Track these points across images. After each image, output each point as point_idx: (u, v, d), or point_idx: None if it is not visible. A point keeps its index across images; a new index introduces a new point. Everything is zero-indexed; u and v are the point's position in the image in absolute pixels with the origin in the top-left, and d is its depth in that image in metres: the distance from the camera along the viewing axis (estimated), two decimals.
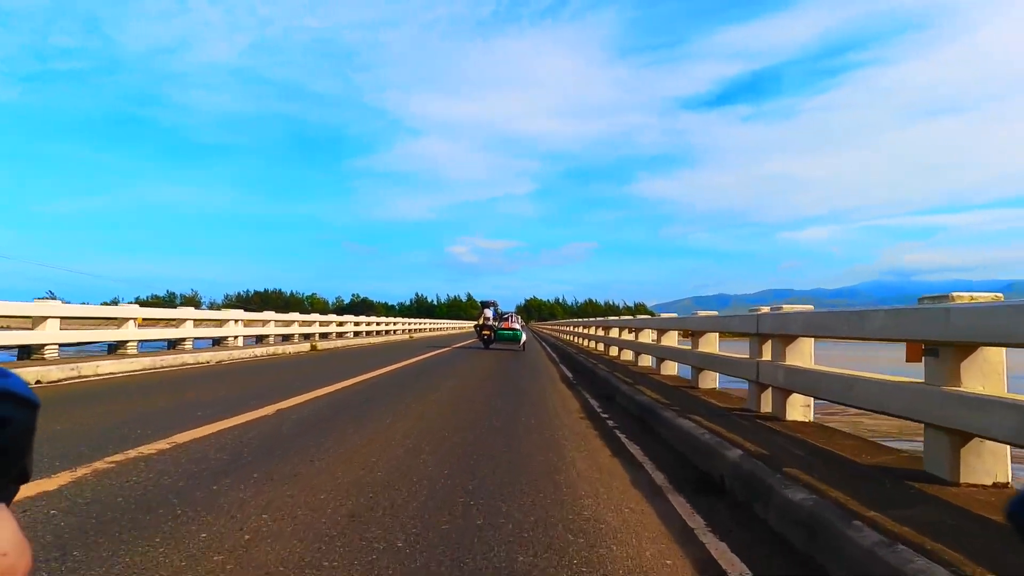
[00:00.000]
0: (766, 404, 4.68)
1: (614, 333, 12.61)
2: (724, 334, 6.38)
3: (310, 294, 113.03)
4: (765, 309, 4.67)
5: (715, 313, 6.45)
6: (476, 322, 19.21)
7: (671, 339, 8.22)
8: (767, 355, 4.60)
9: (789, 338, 4.26)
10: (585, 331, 18.53)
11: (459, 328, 55.87)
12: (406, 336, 29.16)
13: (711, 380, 6.39)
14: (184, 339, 12.11)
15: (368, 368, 9.63)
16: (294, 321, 18.31)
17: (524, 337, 18.29)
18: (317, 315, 21.21)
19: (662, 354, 8.23)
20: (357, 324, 24.85)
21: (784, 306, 4.56)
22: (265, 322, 16.69)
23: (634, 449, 4.13)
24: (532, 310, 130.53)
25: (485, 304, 18.85)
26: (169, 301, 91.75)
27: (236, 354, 11.84)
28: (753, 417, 4.55)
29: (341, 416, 5.10)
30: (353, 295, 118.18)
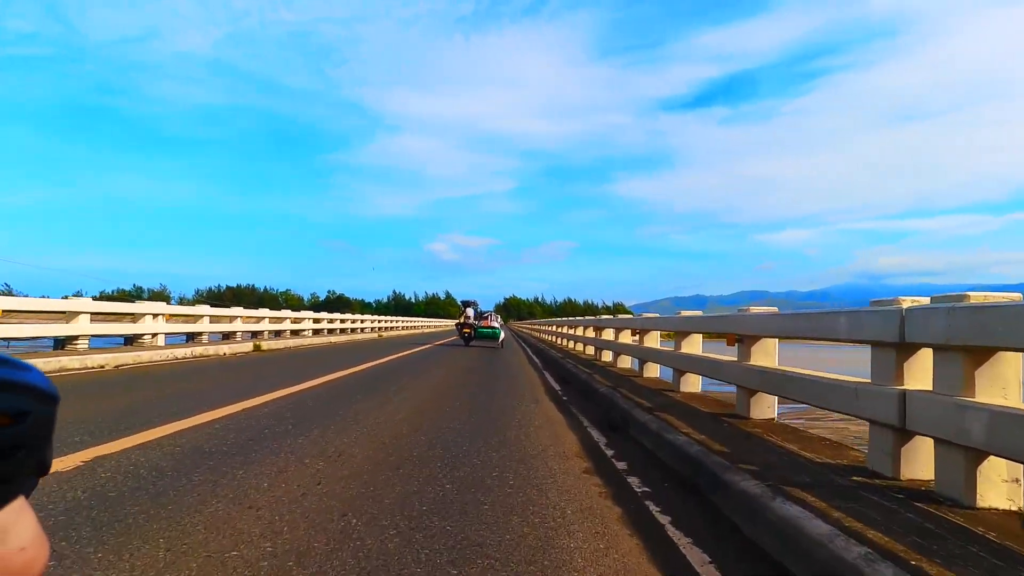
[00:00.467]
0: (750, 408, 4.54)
1: (607, 335, 12.13)
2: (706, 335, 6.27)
3: (284, 290, 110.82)
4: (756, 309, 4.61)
5: (699, 312, 6.36)
6: (457, 320, 19.82)
7: (653, 340, 8.07)
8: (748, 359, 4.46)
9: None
10: (568, 331, 18.28)
11: (435, 327, 53.57)
12: (374, 335, 26.87)
13: (693, 383, 6.26)
14: (76, 337, 9.98)
15: (304, 377, 7.74)
16: (236, 317, 16.08)
17: (503, 335, 19.27)
18: (266, 311, 17.88)
19: (645, 356, 8.08)
20: (317, 321, 22.39)
21: (752, 308, 4.67)
22: (197, 317, 14.45)
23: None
24: (511, 309, 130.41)
25: (466, 304, 19.48)
26: (136, 295, 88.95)
27: (150, 356, 9.83)
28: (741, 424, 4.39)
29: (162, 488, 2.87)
30: (329, 292, 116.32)
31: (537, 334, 30.01)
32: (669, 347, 6.90)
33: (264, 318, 17.61)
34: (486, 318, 19.68)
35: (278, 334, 18.14)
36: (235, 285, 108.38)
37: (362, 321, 30.49)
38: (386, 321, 37.32)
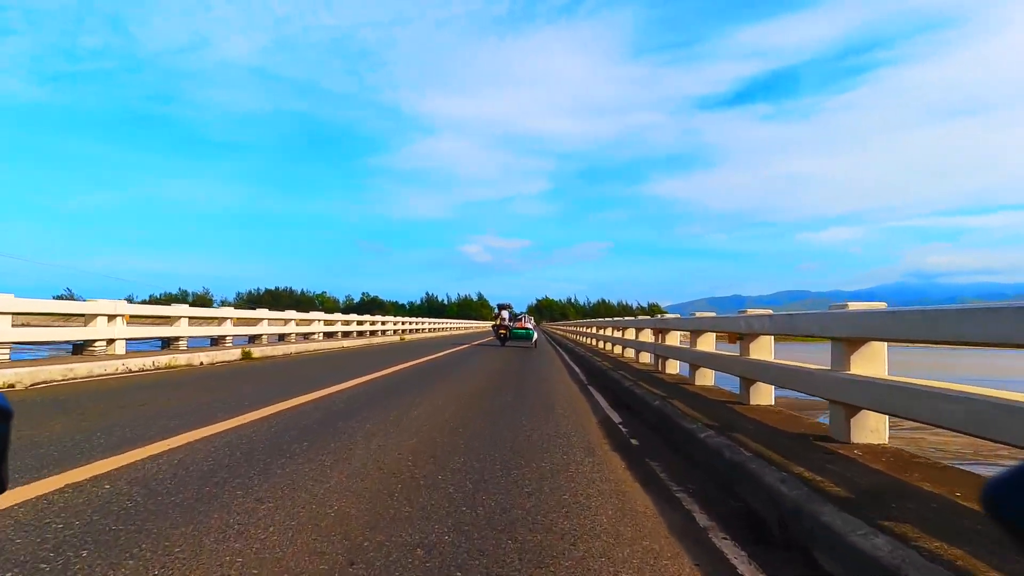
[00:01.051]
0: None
1: (646, 336, 11.10)
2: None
3: (320, 292, 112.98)
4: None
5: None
6: (494, 322, 21.85)
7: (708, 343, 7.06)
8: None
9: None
10: (605, 333, 17.23)
11: (466, 328, 50.63)
12: (396, 338, 24.64)
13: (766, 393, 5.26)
14: None
15: (263, 400, 5.72)
16: (225, 318, 13.61)
17: (536, 336, 20.62)
18: (265, 311, 16.02)
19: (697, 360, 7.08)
20: (330, 324, 19.61)
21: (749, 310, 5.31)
22: (172, 319, 11.75)
23: None
24: (544, 310, 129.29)
25: (501, 307, 21.03)
26: (181, 299, 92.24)
27: (89, 369, 7.78)
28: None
29: None
30: (363, 294, 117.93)
31: (574, 336, 27.52)
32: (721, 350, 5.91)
33: (262, 320, 15.61)
34: (520, 320, 20.86)
35: (282, 338, 16.35)
36: (273, 288, 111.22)
37: (383, 323, 27.41)
38: (411, 323, 34.51)
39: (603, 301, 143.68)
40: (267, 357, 12.07)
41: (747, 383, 5.32)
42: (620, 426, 5.10)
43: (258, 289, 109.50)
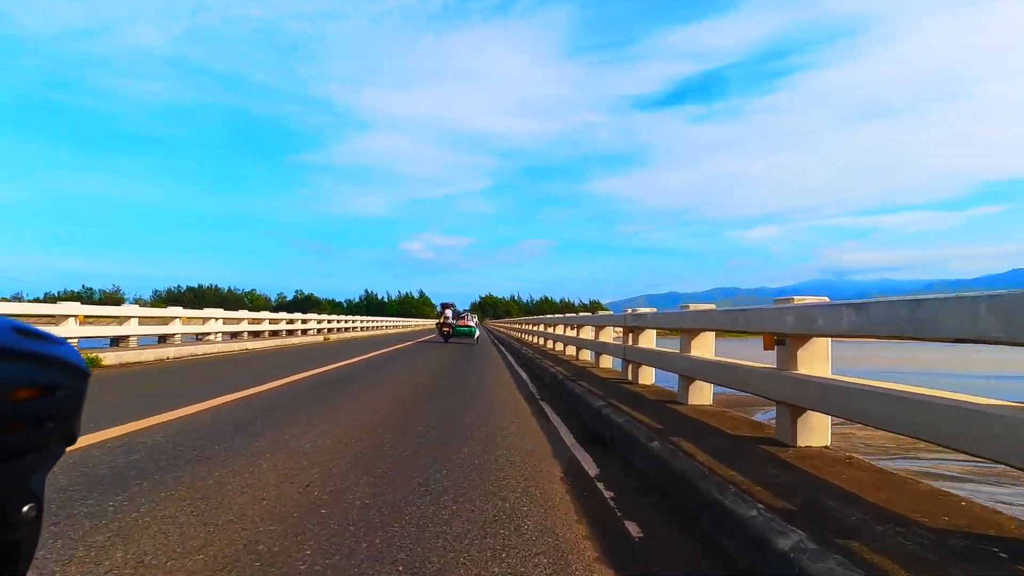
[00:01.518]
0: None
1: (585, 333, 10.95)
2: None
3: (249, 290, 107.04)
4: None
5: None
6: (438, 320, 22.31)
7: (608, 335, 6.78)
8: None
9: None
10: (545, 330, 17.05)
11: (404, 326, 47.54)
12: (320, 338, 21.09)
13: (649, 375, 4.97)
14: None
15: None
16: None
17: (478, 332, 21.45)
18: (118, 308, 12.61)
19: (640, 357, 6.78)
20: (232, 322, 15.87)
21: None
22: None
23: None
24: (487, 308, 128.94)
25: (445, 305, 21.87)
26: (86, 297, 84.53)
27: None
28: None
29: None
30: (297, 292, 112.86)
31: (517, 334, 26.63)
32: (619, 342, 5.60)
33: (131, 318, 11.52)
34: (463, 318, 21.65)
35: (163, 339, 13.27)
36: (196, 285, 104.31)
37: (303, 322, 22.67)
38: (338, 320, 30.11)
39: (546, 299, 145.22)
40: (121, 365, 9.43)
41: (634, 366, 5.00)
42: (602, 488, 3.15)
43: (179, 287, 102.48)
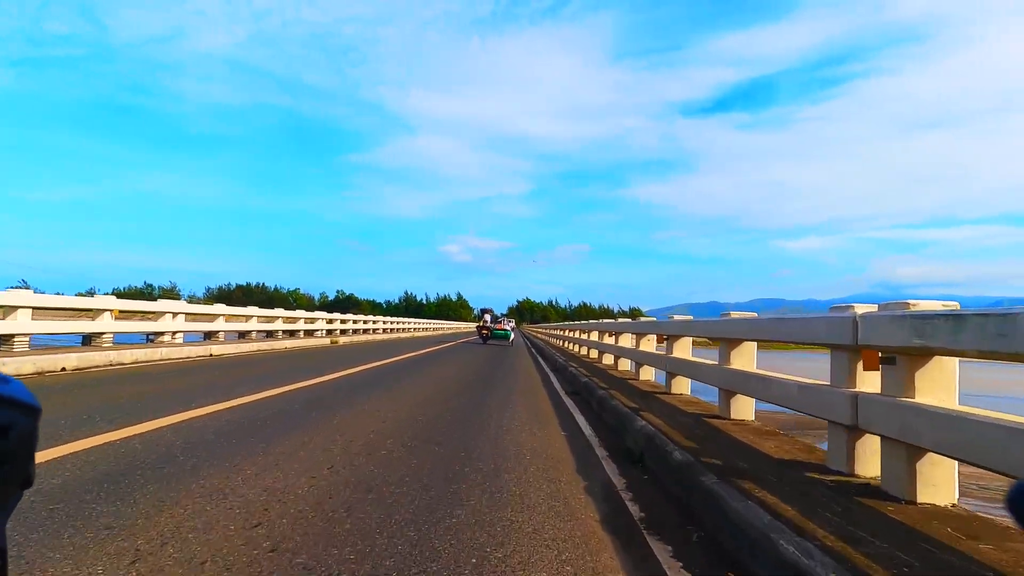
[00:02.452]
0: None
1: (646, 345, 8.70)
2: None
3: (293, 289, 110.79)
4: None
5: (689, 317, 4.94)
6: (478, 323, 24.71)
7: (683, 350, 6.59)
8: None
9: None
10: (590, 338, 15.99)
11: (435, 328, 45.19)
12: (366, 338, 21.10)
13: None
14: None
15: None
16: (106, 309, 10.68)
17: (513, 336, 24.00)
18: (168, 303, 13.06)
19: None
20: (270, 320, 16.13)
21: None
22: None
23: None
24: (525, 312, 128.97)
25: (484, 311, 24.29)
26: (147, 293, 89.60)
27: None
28: None
29: None
30: (338, 291, 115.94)
31: (558, 342, 23.74)
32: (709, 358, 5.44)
33: (167, 313, 12.37)
34: (500, 322, 24.25)
35: (154, 336, 12.71)
36: (245, 284, 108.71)
37: (342, 322, 24.41)
38: (386, 322, 32.56)
39: (584, 304, 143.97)
40: (148, 364, 9.16)
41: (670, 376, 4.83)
42: None
43: (229, 285, 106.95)
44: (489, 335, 22.96)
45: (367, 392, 6.77)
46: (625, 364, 10.69)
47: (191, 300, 71.14)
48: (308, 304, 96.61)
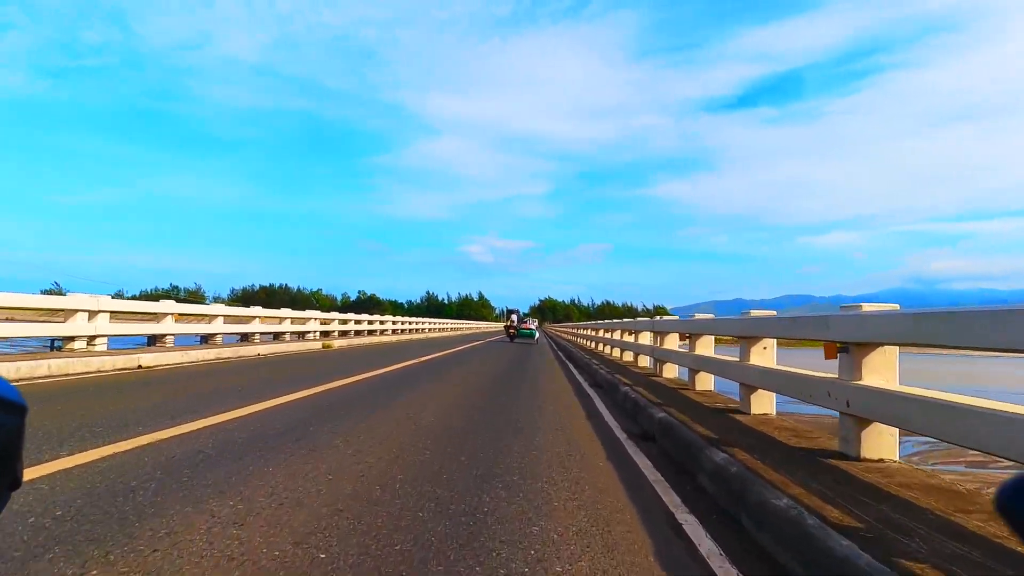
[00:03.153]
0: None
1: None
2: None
3: (316, 290, 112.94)
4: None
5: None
6: (505, 323, 28.05)
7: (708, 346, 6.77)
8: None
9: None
10: (613, 336, 15.98)
11: (453, 328, 43.03)
12: (318, 344, 16.15)
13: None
14: None
15: None
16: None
17: (537, 335, 26.05)
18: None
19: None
20: (265, 321, 15.66)
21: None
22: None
23: None
24: (547, 311, 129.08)
25: (510, 311, 27.47)
26: (173, 295, 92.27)
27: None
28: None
29: None
30: (360, 292, 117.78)
31: (586, 342, 21.91)
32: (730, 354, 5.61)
33: (165, 314, 11.72)
34: (525, 322, 26.87)
35: (245, 337, 14.77)
36: (268, 284, 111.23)
37: (375, 323, 24.90)
38: (395, 321, 29.90)
39: (607, 303, 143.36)
40: (162, 367, 8.74)
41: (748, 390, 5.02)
42: None
43: (252, 286, 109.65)
44: (516, 334, 25.39)
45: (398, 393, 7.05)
46: (645, 360, 10.86)
47: (231, 302, 72.86)
48: (331, 305, 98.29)
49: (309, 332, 17.67)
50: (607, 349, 16.43)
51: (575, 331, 32.29)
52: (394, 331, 28.06)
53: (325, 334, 18.96)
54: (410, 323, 33.51)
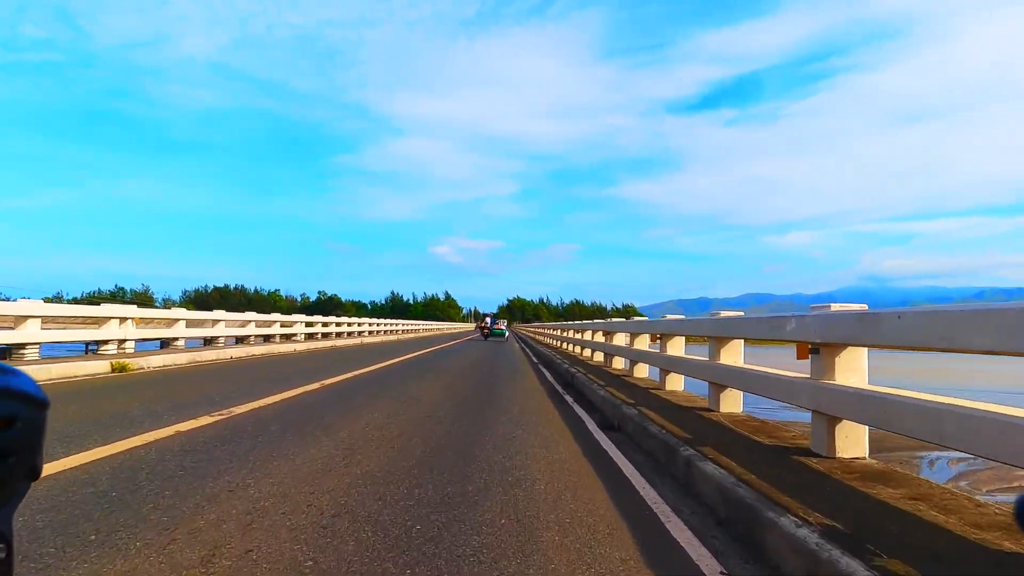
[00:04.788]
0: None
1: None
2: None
3: (273, 291, 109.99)
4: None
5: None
6: (480, 324, 35.72)
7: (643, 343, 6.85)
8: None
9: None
10: (582, 337, 16.37)
11: (415, 331, 39.94)
12: (286, 348, 15.22)
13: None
14: None
15: None
16: None
17: (507, 333, 33.58)
18: None
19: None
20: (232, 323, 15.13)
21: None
22: None
23: None
24: (516, 310, 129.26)
25: (484, 315, 35.28)
26: (119, 297, 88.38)
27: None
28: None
29: None
30: (320, 293, 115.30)
31: (556, 343, 21.73)
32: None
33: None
34: (497, 323, 33.66)
35: (208, 342, 14.08)
36: (223, 286, 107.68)
37: (327, 325, 22.55)
38: (339, 324, 25.23)
39: (577, 302, 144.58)
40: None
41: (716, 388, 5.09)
42: None
43: (206, 287, 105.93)
44: (489, 333, 31.60)
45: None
46: (619, 362, 10.95)
47: (167, 304, 70.09)
48: (289, 307, 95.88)
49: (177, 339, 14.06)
50: (575, 348, 16.55)
51: (541, 331, 33.89)
52: (310, 336, 21.54)
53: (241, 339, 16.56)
54: (339, 324, 25.81)
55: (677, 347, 6.87)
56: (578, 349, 16.29)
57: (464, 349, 19.56)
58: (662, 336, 7.07)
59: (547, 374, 10.94)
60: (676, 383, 6.84)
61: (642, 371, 8.92)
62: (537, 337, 32.66)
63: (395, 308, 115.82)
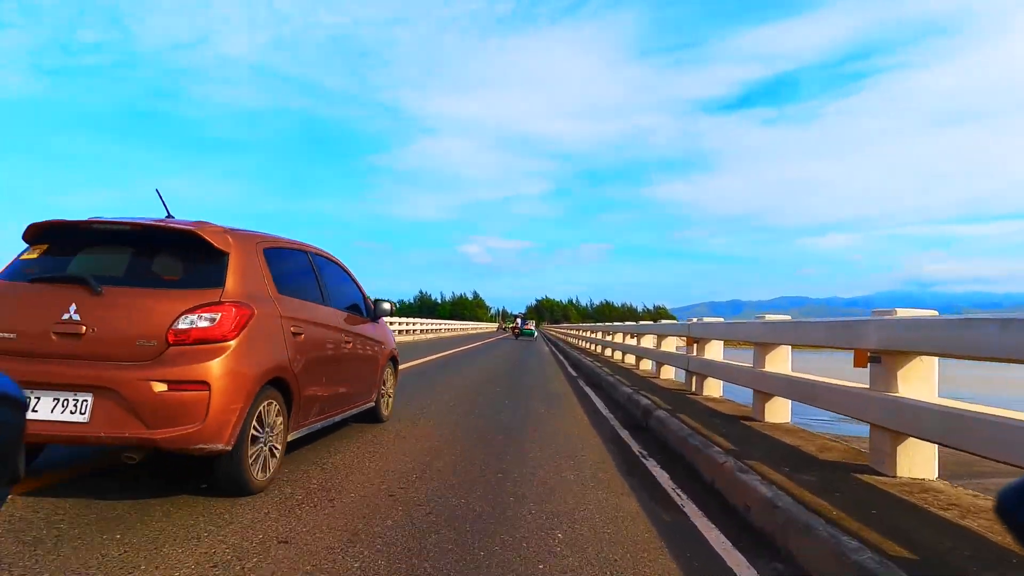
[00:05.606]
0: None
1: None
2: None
3: None
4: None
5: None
6: (511, 325, 41.46)
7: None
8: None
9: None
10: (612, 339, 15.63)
11: (436, 330, 30.55)
12: None
13: None
14: None
15: None
16: None
17: (536, 334, 38.05)
18: None
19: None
20: None
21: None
22: None
23: None
24: (544, 311, 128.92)
25: (516, 316, 42.64)
26: None
27: None
28: None
29: None
30: None
31: (588, 346, 19.64)
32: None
33: None
34: (527, 324, 37.80)
35: None
36: None
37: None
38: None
39: (607, 303, 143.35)
40: None
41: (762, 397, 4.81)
42: None
43: None
44: (520, 333, 34.73)
45: None
46: (667, 371, 10.67)
47: None
48: None
49: None
50: (607, 352, 15.76)
51: (571, 332, 31.91)
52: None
53: None
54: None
55: (716, 352, 6.58)
56: (619, 355, 13.93)
57: (495, 348, 20.76)
58: (698, 340, 6.78)
59: (599, 405, 6.68)
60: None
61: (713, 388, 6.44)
62: (567, 339, 29.85)
63: (423, 307, 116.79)
